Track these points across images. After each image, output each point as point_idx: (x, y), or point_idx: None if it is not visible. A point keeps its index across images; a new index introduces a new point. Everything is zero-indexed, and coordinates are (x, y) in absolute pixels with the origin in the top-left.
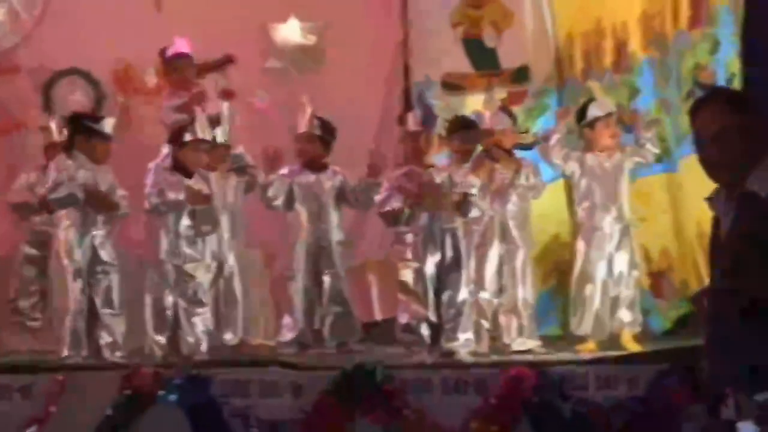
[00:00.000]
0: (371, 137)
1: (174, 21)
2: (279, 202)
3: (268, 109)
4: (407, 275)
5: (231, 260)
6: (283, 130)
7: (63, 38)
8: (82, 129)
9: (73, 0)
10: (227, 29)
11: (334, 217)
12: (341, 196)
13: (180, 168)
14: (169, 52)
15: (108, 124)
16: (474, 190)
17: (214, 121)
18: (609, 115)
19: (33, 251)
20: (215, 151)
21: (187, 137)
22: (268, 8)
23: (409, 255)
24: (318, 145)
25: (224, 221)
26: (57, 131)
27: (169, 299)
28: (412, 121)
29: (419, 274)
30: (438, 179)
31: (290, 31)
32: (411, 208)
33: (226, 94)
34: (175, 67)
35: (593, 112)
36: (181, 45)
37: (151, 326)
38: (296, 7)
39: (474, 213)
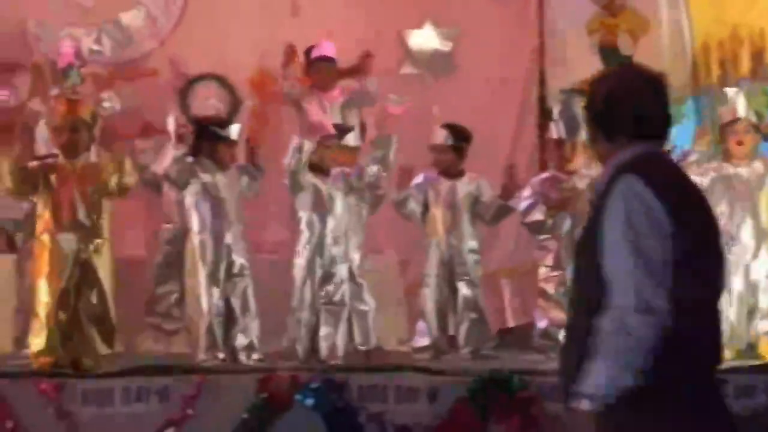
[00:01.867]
0: (505, 144)
1: (310, 26)
2: (417, 215)
3: (403, 112)
4: (548, 282)
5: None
6: (418, 136)
7: (199, 43)
8: (206, 134)
9: (210, 5)
10: (363, 35)
11: (468, 224)
12: (476, 205)
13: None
14: (315, 53)
15: (234, 130)
16: None
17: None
18: (734, 122)
19: (170, 253)
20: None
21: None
22: (404, 15)
23: (550, 261)
24: (451, 155)
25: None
26: (176, 137)
27: (308, 303)
28: (557, 129)
29: (560, 280)
30: (581, 186)
31: (425, 38)
32: (554, 216)
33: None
34: (318, 69)
35: (723, 119)
36: (327, 48)
37: (294, 330)
38: (431, 13)
39: None
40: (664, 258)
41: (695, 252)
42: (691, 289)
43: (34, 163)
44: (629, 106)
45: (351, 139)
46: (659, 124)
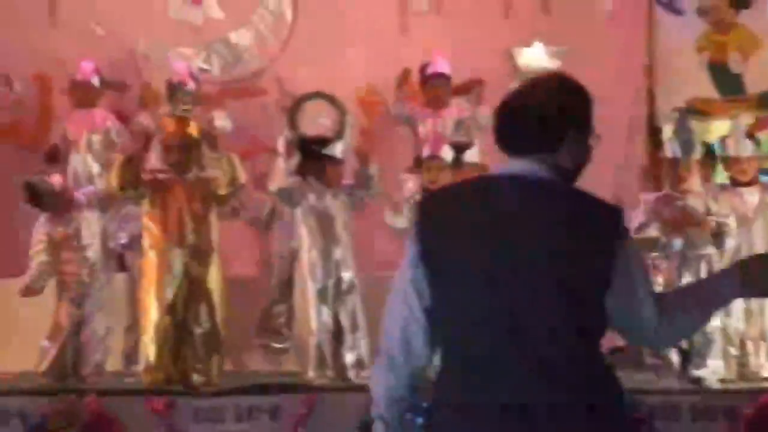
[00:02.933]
0: (614, 162)
1: (418, 44)
2: None
3: None
4: None
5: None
6: None
7: (307, 61)
8: (313, 153)
9: (318, 24)
10: (471, 53)
11: None
12: None
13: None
14: (430, 70)
15: (339, 149)
16: (730, 220)
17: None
18: None
19: (280, 271)
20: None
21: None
22: (513, 33)
23: (661, 280)
24: None
25: None
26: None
27: None
28: (671, 148)
29: None
30: (694, 206)
31: (535, 56)
32: (667, 235)
33: None
34: (432, 86)
35: None
36: (442, 64)
37: None
38: (540, 31)
39: (729, 243)
40: None
41: None
42: None
43: (145, 175)
44: None
45: (469, 156)
46: None
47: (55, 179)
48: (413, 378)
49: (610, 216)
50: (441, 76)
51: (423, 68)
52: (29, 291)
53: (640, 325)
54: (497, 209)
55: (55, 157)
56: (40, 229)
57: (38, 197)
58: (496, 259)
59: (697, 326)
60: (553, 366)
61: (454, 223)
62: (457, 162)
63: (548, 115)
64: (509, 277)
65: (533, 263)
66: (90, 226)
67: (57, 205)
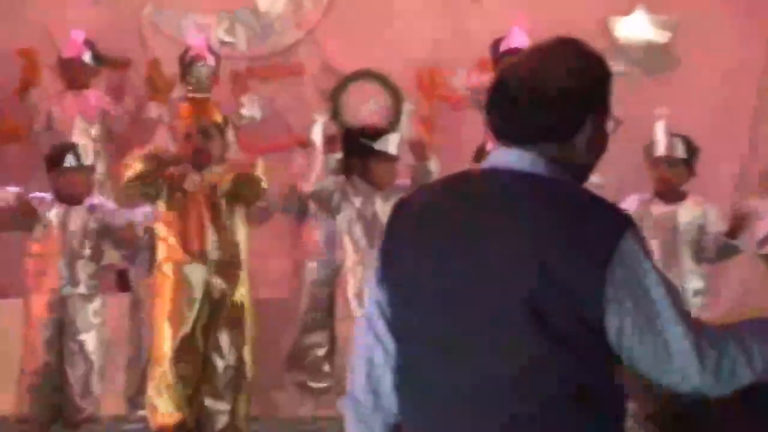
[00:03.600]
0: (738, 156)
1: (492, 14)
2: None
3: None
4: None
5: None
6: (629, 147)
7: (353, 33)
8: (360, 147)
9: None
10: (559, 23)
11: (690, 259)
12: (700, 237)
13: None
14: (503, 46)
15: (392, 142)
16: None
17: None
18: None
19: (318, 296)
20: None
21: None
22: None
23: None
24: (681, 171)
25: None
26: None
27: None
28: None
29: None
30: None
31: (637, 26)
32: None
33: None
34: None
35: None
36: (518, 38)
37: None
38: None
39: None
40: None
41: None
42: None
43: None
44: None
45: None
46: None
47: (6, 194)
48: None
49: (608, 224)
50: (518, 52)
51: (496, 44)
52: None
53: (670, 366)
54: (465, 215)
55: None
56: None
57: None
58: (456, 280)
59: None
60: None
61: (417, 230)
62: None
63: (563, 95)
64: (469, 303)
65: (503, 288)
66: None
67: (20, 222)
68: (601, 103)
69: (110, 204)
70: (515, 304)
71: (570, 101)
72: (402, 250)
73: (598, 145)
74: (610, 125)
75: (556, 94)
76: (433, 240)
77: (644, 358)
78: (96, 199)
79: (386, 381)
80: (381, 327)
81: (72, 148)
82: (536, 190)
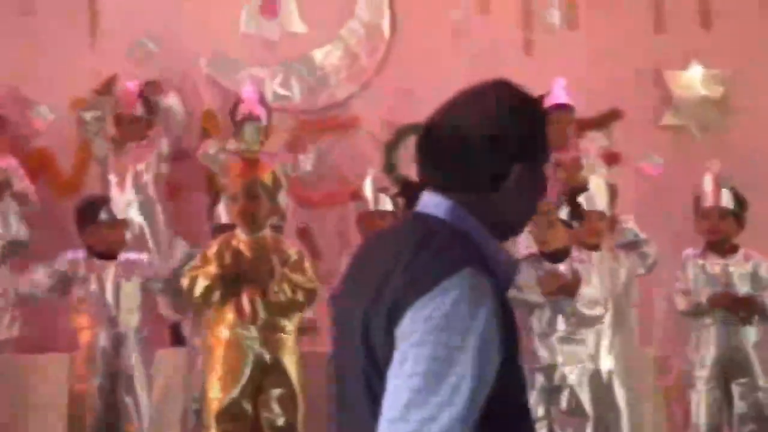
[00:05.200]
0: None
1: (546, 67)
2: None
3: (661, 175)
4: None
5: (610, 363)
6: (681, 201)
7: (410, 86)
8: (412, 201)
9: (421, 41)
10: (612, 77)
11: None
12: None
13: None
14: (548, 101)
15: None
16: None
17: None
18: None
19: None
20: (598, 223)
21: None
22: (665, 52)
23: None
24: (731, 223)
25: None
26: (373, 201)
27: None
28: None
29: None
30: None
31: (691, 80)
32: None
33: (610, 158)
34: (551, 120)
35: None
36: (560, 94)
37: None
38: (699, 51)
39: None
40: None
41: None
42: None
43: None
44: None
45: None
46: None
47: (40, 280)
48: None
49: (437, 274)
50: (563, 108)
51: (540, 99)
52: None
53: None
54: (359, 261)
55: None
56: None
57: None
58: (335, 331)
59: None
60: None
61: (347, 271)
62: (576, 213)
63: (482, 144)
64: (338, 358)
65: (351, 340)
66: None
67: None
68: (531, 152)
69: (144, 257)
70: (356, 365)
71: (489, 151)
72: (337, 291)
73: (529, 194)
74: (548, 169)
75: (475, 143)
76: (343, 286)
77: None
78: (131, 254)
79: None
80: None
81: (105, 202)
82: (405, 233)
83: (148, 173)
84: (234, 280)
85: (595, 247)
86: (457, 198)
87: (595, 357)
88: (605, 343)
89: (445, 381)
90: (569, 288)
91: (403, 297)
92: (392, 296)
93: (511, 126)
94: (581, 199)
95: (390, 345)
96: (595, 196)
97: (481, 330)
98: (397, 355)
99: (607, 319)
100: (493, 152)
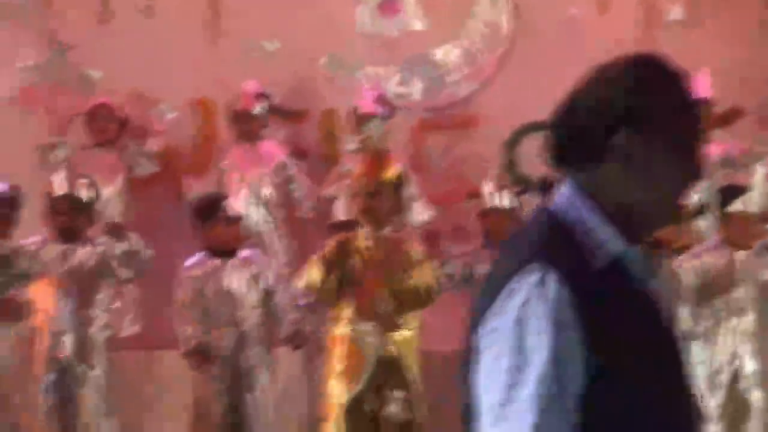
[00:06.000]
0: None
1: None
2: None
3: None
4: None
5: (751, 365)
6: None
7: (530, 84)
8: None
9: (543, 38)
10: (740, 75)
11: None
12: None
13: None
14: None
15: None
16: None
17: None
18: None
19: None
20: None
21: None
22: None
23: None
24: None
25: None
26: (489, 197)
27: None
28: None
29: None
30: None
31: None
32: None
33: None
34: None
35: None
36: (703, 85)
37: None
38: None
39: None
40: None
41: None
42: None
43: (330, 246)
44: None
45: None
46: None
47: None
48: None
49: (506, 275)
50: (704, 102)
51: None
52: None
53: None
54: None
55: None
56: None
57: None
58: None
59: None
60: None
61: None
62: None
63: (586, 104)
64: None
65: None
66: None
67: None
68: (649, 118)
69: (261, 254)
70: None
71: (592, 112)
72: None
73: (647, 172)
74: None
75: (578, 104)
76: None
77: None
78: (248, 251)
79: None
80: None
81: (222, 199)
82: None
83: (262, 174)
84: (350, 279)
85: (745, 247)
86: (577, 181)
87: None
88: (747, 346)
89: (515, 389)
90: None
91: (480, 302)
92: (476, 302)
93: (625, 87)
94: (739, 198)
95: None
96: (754, 196)
97: (548, 330)
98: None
99: (750, 320)
100: (593, 115)
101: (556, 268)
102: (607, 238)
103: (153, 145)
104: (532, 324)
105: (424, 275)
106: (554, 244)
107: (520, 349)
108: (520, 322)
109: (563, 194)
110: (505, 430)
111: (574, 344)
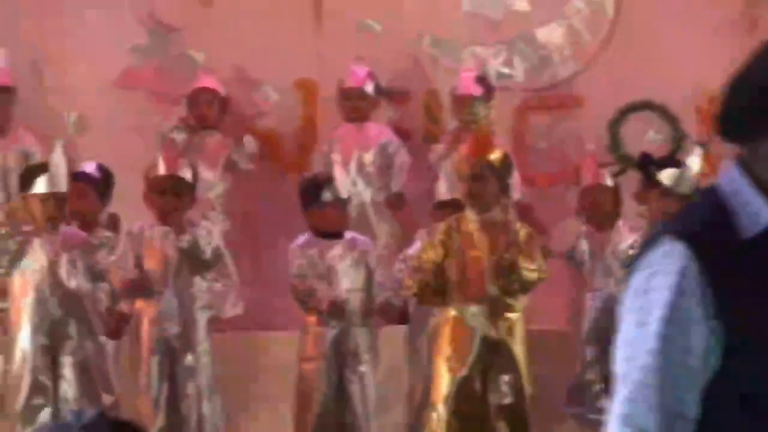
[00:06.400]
0: None
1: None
2: None
3: None
4: None
5: None
6: None
7: (634, 64)
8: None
9: (646, 19)
10: None
11: None
12: None
13: None
14: None
15: (675, 175)
16: None
17: None
18: None
19: (599, 329)
20: None
21: None
22: None
23: None
24: None
25: None
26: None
27: None
28: None
29: None
30: None
31: None
32: None
33: None
34: None
35: None
36: None
37: None
38: None
39: None
40: None
41: None
42: None
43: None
44: None
45: None
46: None
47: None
48: None
49: (642, 251)
50: None
51: None
52: None
53: None
54: None
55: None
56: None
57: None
58: None
59: None
60: None
61: None
62: None
63: (750, 77)
64: None
65: None
66: None
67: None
68: None
69: (364, 237)
70: None
71: (742, 87)
72: None
73: None
74: None
75: (748, 80)
76: None
77: None
78: (353, 233)
79: None
80: None
81: (328, 181)
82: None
83: (369, 155)
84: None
85: None
86: (742, 156)
87: None
88: None
89: (634, 363)
90: None
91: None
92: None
93: None
94: None
95: None
96: None
97: (668, 299)
98: None
99: None
100: (756, 86)
101: (687, 241)
102: (758, 210)
103: (251, 145)
104: (654, 295)
105: (531, 258)
106: (696, 217)
107: (637, 323)
108: (645, 293)
109: (728, 168)
110: (624, 411)
111: (696, 315)
